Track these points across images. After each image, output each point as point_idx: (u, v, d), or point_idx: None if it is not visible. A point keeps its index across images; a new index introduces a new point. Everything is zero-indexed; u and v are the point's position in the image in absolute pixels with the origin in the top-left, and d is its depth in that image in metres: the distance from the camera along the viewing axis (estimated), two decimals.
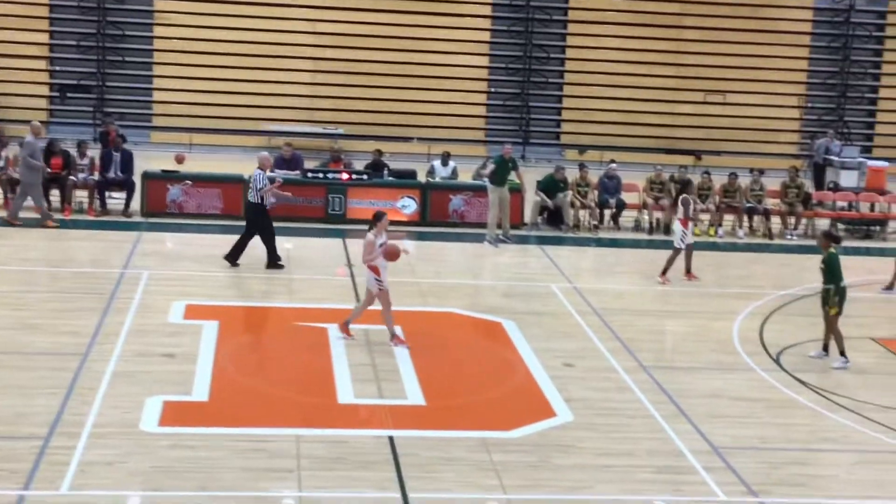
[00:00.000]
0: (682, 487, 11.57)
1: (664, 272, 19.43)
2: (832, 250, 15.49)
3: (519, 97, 31.84)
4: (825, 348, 15.54)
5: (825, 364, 15.34)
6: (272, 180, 19.52)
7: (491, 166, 23.16)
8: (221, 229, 21.76)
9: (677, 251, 19.40)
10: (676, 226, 19.63)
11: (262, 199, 18.99)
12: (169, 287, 17.74)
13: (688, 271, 19.56)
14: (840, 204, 25.09)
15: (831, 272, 15.33)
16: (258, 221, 19.09)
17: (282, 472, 11.40)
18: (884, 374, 15.40)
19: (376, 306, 15.28)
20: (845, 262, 21.97)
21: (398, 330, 15.46)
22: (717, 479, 11.74)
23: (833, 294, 15.22)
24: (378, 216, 15.38)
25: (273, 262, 19.11)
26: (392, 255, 15.12)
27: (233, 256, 19.03)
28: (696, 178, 24.05)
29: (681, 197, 19.79)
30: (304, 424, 12.72)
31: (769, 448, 12.68)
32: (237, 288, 17.96)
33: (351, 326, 15.43)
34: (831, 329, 15.37)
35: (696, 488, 11.58)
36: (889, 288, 19.44)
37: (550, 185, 23.21)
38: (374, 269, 15.07)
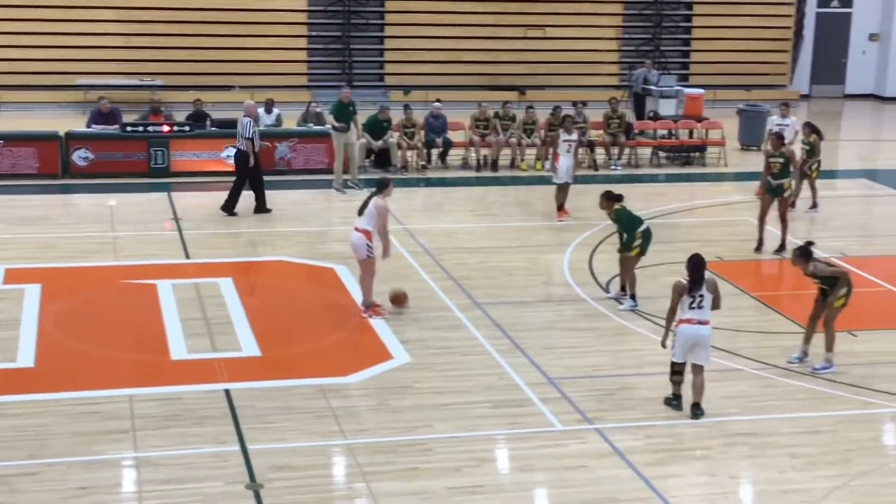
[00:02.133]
0: (520, 420, 11.75)
1: (559, 209, 19.63)
2: (617, 207, 15.20)
3: (340, 40, 31.49)
4: (623, 288, 15.44)
5: (653, 289, 15.68)
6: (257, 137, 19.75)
7: (316, 111, 22.99)
8: (37, 189, 21.08)
9: (560, 186, 19.56)
10: (553, 162, 19.71)
11: (245, 146, 19.35)
12: None
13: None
14: (660, 132, 25.66)
15: (625, 225, 15.15)
16: (243, 168, 19.46)
17: (116, 434, 11.19)
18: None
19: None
20: (667, 189, 22.72)
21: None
22: (554, 410, 11.96)
23: (634, 240, 15.01)
24: (385, 183, 14.61)
25: (230, 208, 19.48)
26: (400, 300, 14.78)
27: (260, 207, 19.67)
28: (520, 114, 24.27)
29: (555, 132, 20.08)
30: (137, 384, 12.49)
31: (601, 375, 12.96)
32: (58, 249, 17.40)
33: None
34: (628, 271, 15.29)
35: (534, 419, 11.78)
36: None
37: (375, 127, 23.07)
38: (368, 235, 14.35)
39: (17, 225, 18.72)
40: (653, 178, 23.90)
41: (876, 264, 17.63)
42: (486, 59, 32.00)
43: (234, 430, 11.34)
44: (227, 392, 12.23)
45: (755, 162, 19.71)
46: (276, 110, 23.93)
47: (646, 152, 25.22)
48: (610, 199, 15.33)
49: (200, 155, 22.42)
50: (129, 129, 22.28)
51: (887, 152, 27.26)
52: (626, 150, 24.75)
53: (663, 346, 12.14)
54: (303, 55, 31.39)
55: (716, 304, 11.95)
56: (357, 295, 14.99)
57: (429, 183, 22.84)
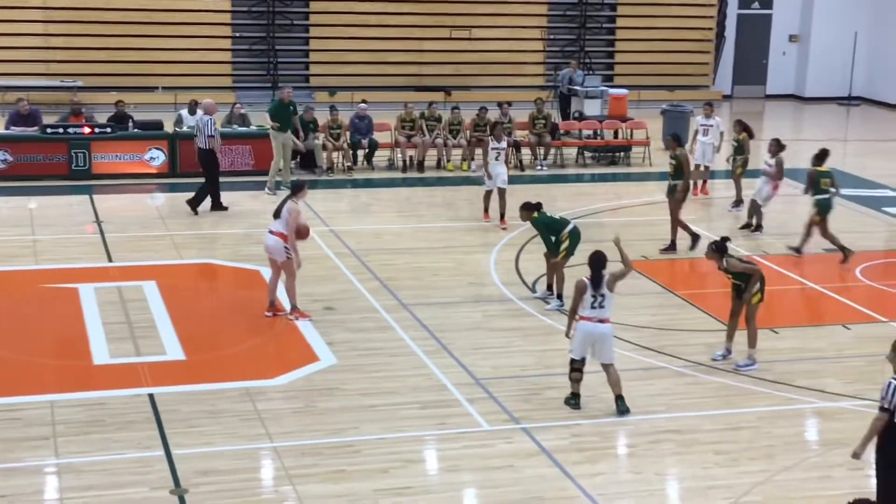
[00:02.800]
0: (447, 420, 11.75)
1: (486, 210, 19.53)
2: (535, 215, 15.28)
3: (265, 41, 31.28)
4: (549, 287, 15.51)
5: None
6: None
7: (240, 112, 22.84)
8: None
9: (488, 192, 19.43)
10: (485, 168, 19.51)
11: (208, 144, 19.57)
12: None
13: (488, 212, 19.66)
14: (586, 132, 25.81)
15: (545, 232, 15.23)
16: (213, 165, 19.70)
17: (36, 441, 11.01)
18: (635, 295, 15.92)
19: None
20: (594, 188, 22.88)
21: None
22: (481, 410, 11.97)
23: (561, 242, 15.03)
24: (300, 186, 14.60)
25: (217, 205, 19.86)
26: (304, 233, 14.52)
27: (195, 204, 19.75)
28: (446, 114, 24.28)
29: (484, 139, 20.05)
30: (58, 389, 12.30)
31: (528, 375, 13.00)
32: None
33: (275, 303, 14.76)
34: (556, 270, 15.30)
35: (461, 420, 11.78)
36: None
37: (300, 128, 22.90)
38: (284, 237, 14.22)
39: None
40: (578, 178, 24.05)
41: (797, 262, 17.87)
42: (412, 60, 31.99)
43: (159, 434, 11.21)
44: (152, 396, 12.09)
45: None
46: (199, 111, 23.66)
47: (571, 152, 25.36)
48: (528, 210, 15.40)
49: (123, 157, 22.14)
50: (49, 130, 21.93)
51: (808, 152, 27.35)
52: (552, 151, 24.87)
53: (567, 336, 12.17)
54: (227, 56, 31.13)
55: (626, 265, 12.22)
56: (284, 297, 14.86)
57: (355, 184, 22.76)
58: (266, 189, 21.29)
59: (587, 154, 25.33)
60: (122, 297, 15.23)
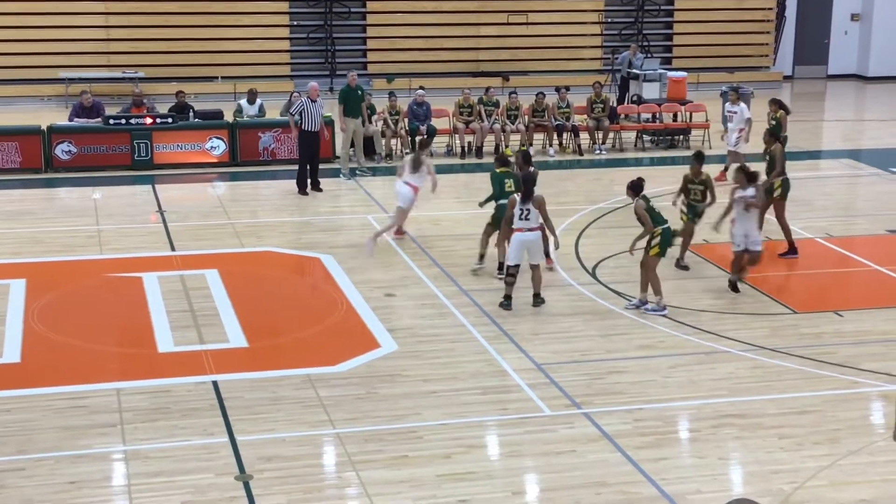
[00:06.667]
0: (508, 406, 11.76)
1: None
2: (500, 170, 15.74)
3: (322, 29, 31.41)
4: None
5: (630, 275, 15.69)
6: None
7: (299, 102, 22.91)
8: (21, 184, 20.99)
9: None
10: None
11: (314, 125, 20.34)
12: None
13: None
14: (644, 116, 25.65)
15: (498, 188, 15.68)
16: (301, 146, 20.43)
17: (104, 428, 11.16)
18: (695, 279, 15.88)
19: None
20: (652, 172, 22.70)
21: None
22: (542, 395, 11.97)
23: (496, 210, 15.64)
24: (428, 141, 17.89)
25: (314, 185, 20.56)
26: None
27: (302, 186, 20.39)
28: (503, 100, 24.23)
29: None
30: (124, 377, 12.46)
31: (589, 360, 12.97)
32: (43, 243, 17.34)
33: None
34: (487, 239, 15.94)
35: (522, 405, 11.78)
36: None
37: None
38: (416, 189, 16.77)
39: (1, 220, 18.65)
40: (638, 162, 23.91)
41: (861, 244, 17.67)
42: (469, 46, 31.99)
43: (223, 421, 11.32)
44: (215, 384, 12.22)
45: None
46: (258, 100, 23.84)
47: (630, 136, 25.22)
48: (502, 164, 15.96)
49: (184, 147, 22.35)
50: (111, 122, 22.19)
51: (871, 132, 27.32)
52: (611, 135, 24.74)
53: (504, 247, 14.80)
54: (285, 44, 31.31)
55: (544, 216, 14.20)
56: (345, 284, 14.97)
57: None
58: (341, 175, 21.35)
59: (646, 138, 25.18)
60: (185, 285, 15.39)
